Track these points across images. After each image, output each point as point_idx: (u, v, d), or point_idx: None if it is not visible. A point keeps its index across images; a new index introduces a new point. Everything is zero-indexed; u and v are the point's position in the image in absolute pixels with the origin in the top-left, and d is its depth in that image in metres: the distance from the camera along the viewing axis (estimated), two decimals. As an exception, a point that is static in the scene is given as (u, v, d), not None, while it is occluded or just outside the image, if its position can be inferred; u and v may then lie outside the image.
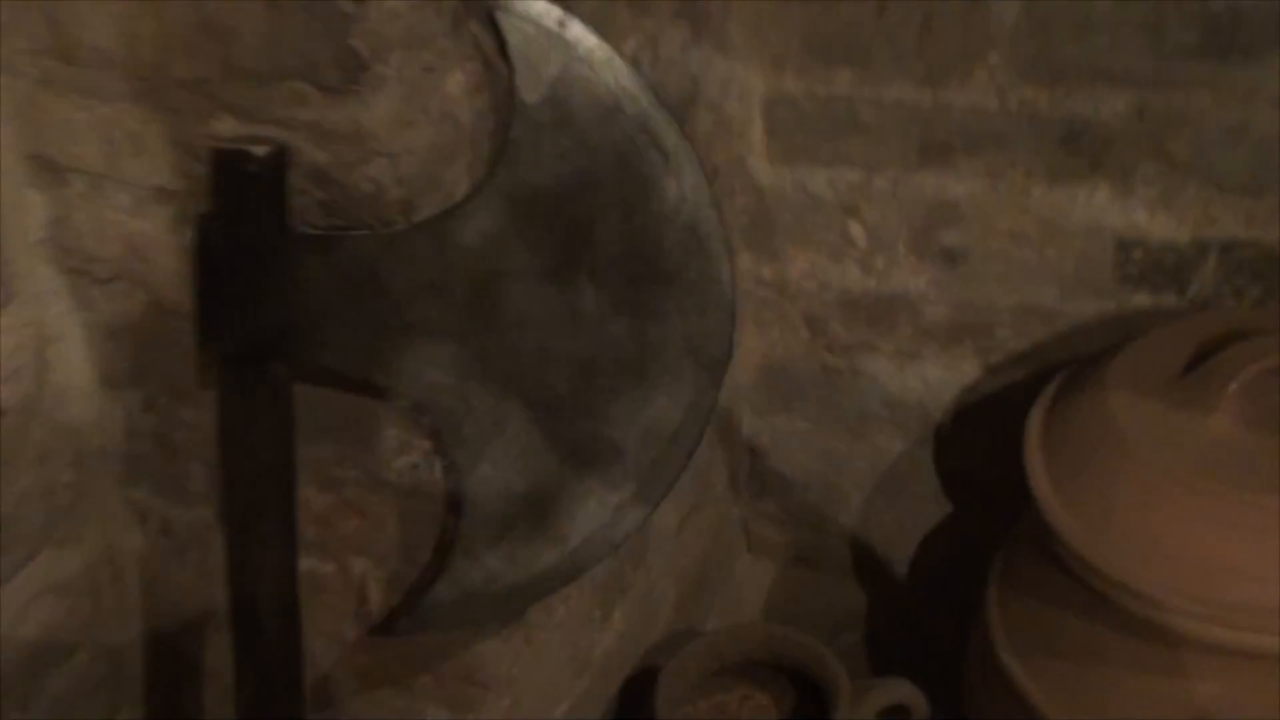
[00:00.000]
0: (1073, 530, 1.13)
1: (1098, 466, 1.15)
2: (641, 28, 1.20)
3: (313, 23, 0.91)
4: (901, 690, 1.33)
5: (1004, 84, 1.34)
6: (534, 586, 1.07)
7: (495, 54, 0.98)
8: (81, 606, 1.21)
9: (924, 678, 1.40)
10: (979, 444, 1.50)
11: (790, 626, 1.39)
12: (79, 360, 1.15)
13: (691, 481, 1.49)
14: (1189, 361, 1.19)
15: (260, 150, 0.96)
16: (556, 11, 0.97)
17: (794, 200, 1.47)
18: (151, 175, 1.03)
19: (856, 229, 1.46)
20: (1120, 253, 1.37)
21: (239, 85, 0.96)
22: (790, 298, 1.52)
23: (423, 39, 0.95)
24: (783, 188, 1.47)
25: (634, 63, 1.11)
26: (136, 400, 1.16)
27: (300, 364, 1.02)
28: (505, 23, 0.96)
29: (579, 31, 0.97)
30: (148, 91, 0.99)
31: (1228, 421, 1.12)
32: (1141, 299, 1.38)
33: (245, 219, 0.98)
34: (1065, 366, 1.32)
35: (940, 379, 1.50)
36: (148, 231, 1.06)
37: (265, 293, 0.99)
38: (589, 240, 0.99)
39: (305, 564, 1.12)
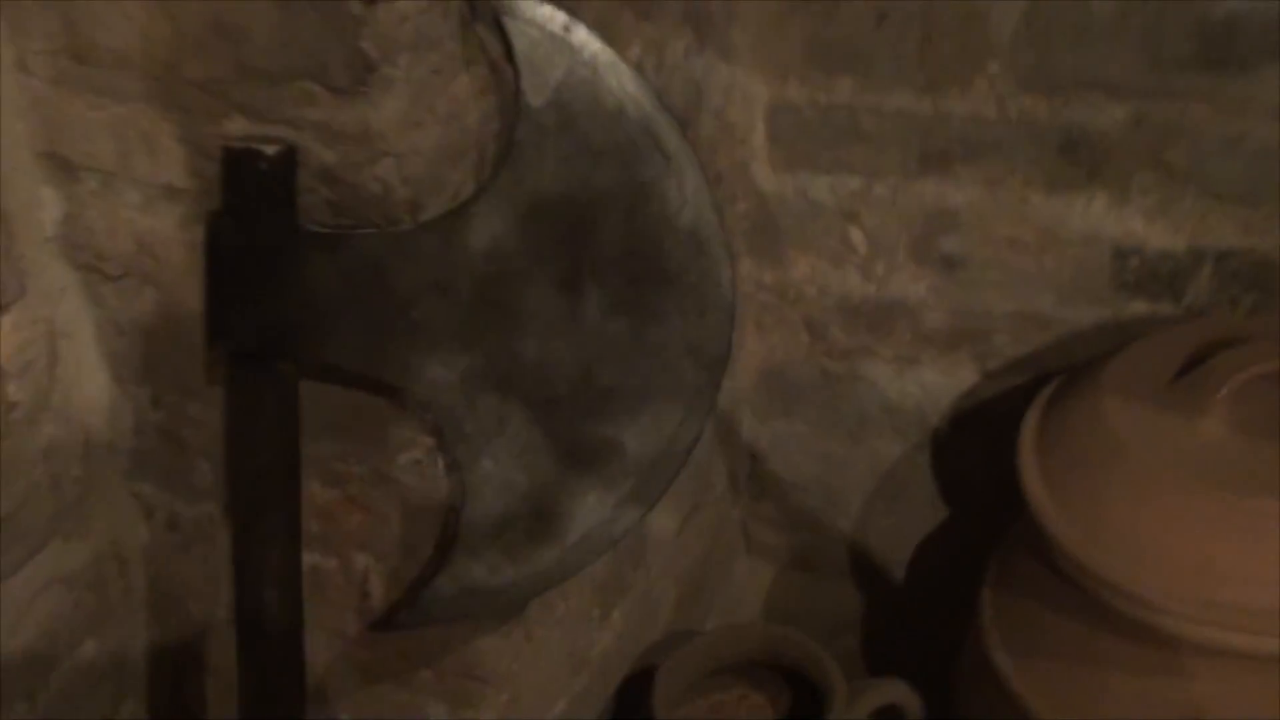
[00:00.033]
0: (1065, 532, 1.14)
1: (1091, 469, 1.16)
2: (646, 34, 1.21)
3: (323, 25, 0.91)
4: (896, 691, 1.35)
5: (1003, 93, 1.34)
6: (533, 582, 1.08)
7: (501, 58, 0.99)
8: (87, 600, 1.21)
9: (920, 680, 1.40)
10: (976, 449, 1.50)
11: (788, 627, 1.40)
12: (89, 356, 1.15)
13: (691, 484, 1.50)
14: (1182, 367, 1.20)
15: (270, 150, 0.96)
16: (562, 17, 0.98)
17: (795, 206, 1.48)
18: (162, 174, 1.04)
19: (857, 235, 1.47)
20: (1117, 261, 1.38)
21: (250, 85, 0.96)
22: (791, 302, 1.53)
23: (430, 42, 0.95)
24: (784, 194, 1.48)
25: (638, 68, 1.11)
26: (145, 396, 1.17)
27: (307, 361, 1.03)
28: (511, 27, 0.97)
29: (584, 36, 0.98)
30: (160, 91, 1.00)
31: (1219, 426, 1.14)
32: (1138, 307, 1.39)
33: (255, 217, 0.99)
34: (1062, 373, 1.33)
35: (938, 384, 1.50)
36: (158, 229, 1.07)
37: (273, 290, 1.00)
38: (591, 241, 1.00)
39: (308, 559, 1.13)
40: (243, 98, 0.97)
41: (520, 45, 0.97)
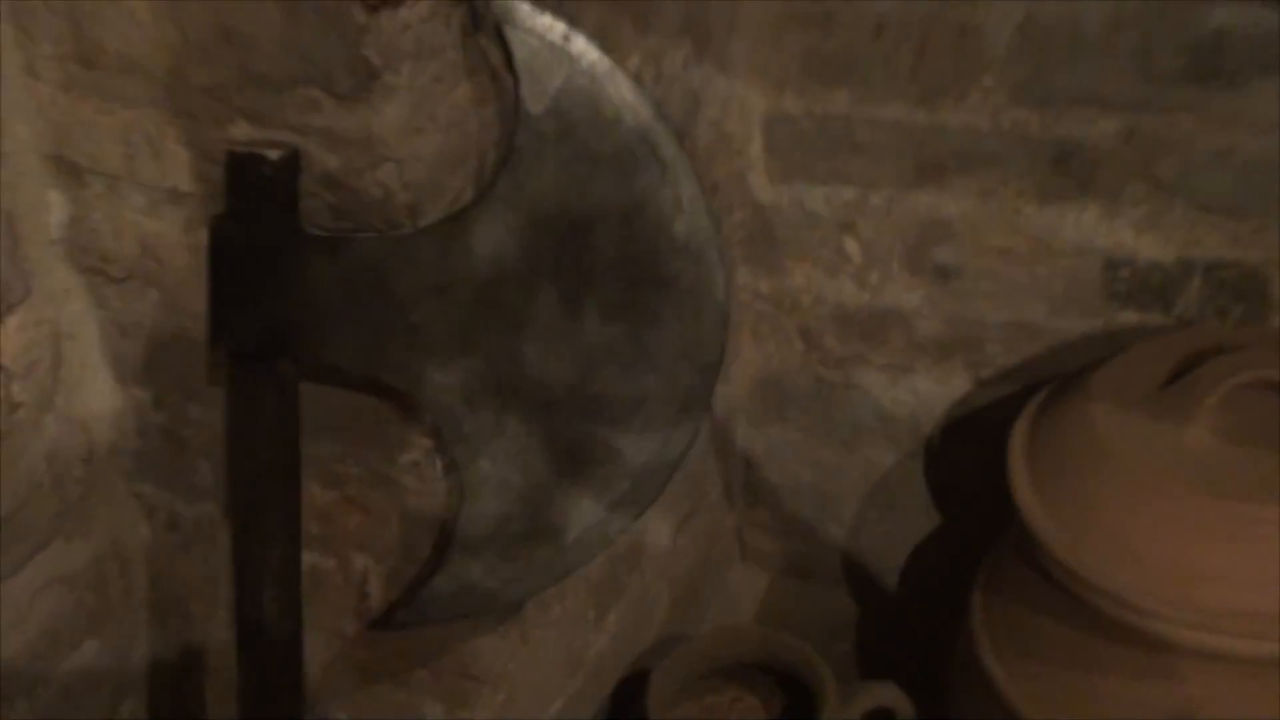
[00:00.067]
0: (1054, 536, 1.15)
1: (1079, 475, 1.17)
2: (645, 45, 1.22)
3: (327, 33, 0.92)
4: (888, 693, 1.36)
5: (997, 106, 1.36)
6: (530, 582, 1.09)
7: (502, 66, 1.00)
8: (88, 599, 1.22)
9: (913, 684, 1.41)
10: (969, 457, 1.51)
11: (781, 630, 1.41)
12: (92, 357, 1.16)
13: (686, 490, 1.51)
14: (1169, 375, 1.21)
15: (274, 154, 0.97)
16: (561, 26, 0.98)
17: (792, 216, 1.49)
18: (167, 178, 1.05)
19: (852, 245, 1.48)
20: (1108, 271, 1.39)
21: (255, 91, 0.97)
22: (787, 311, 1.54)
23: (432, 50, 0.96)
24: (781, 204, 1.49)
25: (636, 78, 1.12)
26: (147, 397, 1.18)
27: (307, 362, 1.04)
28: (512, 36, 0.98)
29: (582, 46, 0.99)
30: (167, 96, 1.01)
31: (1205, 433, 1.15)
32: (1128, 317, 1.40)
33: (258, 220, 1.00)
34: (1053, 381, 1.34)
35: (931, 393, 1.51)
36: (162, 232, 1.08)
37: (275, 292, 1.01)
38: (589, 246, 1.00)
39: (308, 559, 1.14)
40: (247, 103, 0.98)
41: (520, 54, 0.98)
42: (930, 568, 1.60)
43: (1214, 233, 1.35)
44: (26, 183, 1.08)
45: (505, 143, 1.01)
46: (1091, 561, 1.13)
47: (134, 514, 1.24)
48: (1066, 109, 1.34)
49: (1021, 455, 1.23)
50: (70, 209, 1.10)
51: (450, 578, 1.08)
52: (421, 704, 1.24)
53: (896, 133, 1.41)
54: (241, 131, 1.00)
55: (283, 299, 1.01)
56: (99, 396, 1.18)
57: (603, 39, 1.03)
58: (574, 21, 1.00)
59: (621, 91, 1.00)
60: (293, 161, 0.98)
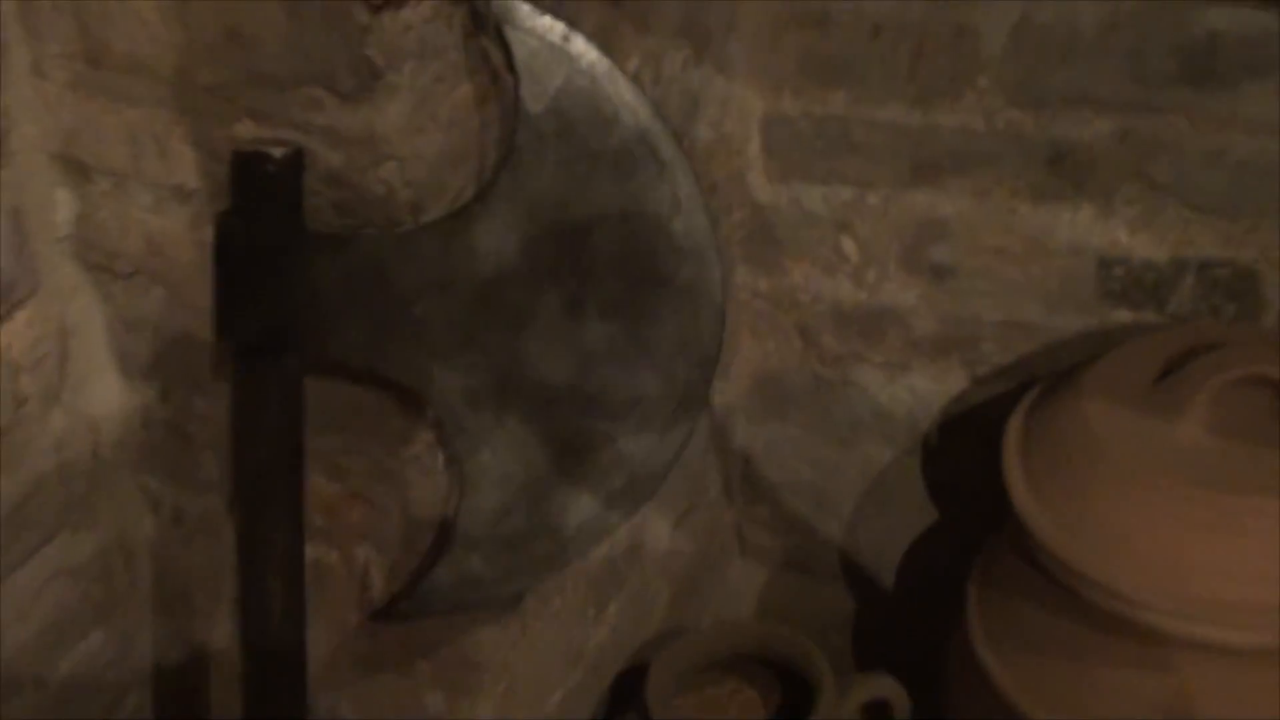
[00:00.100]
0: (1047, 528, 1.16)
1: (1072, 469, 1.18)
2: (644, 46, 1.23)
3: (331, 33, 0.94)
4: (884, 685, 1.37)
5: (992, 107, 1.36)
6: (529, 572, 1.11)
7: (502, 66, 1.01)
8: (94, 591, 1.23)
9: (910, 677, 1.42)
10: (965, 454, 1.51)
11: (779, 624, 1.42)
12: (98, 352, 1.18)
13: (685, 486, 1.52)
14: (1161, 371, 1.22)
15: (278, 152, 0.99)
16: (561, 27, 1.00)
17: (790, 216, 1.49)
18: (173, 175, 1.06)
19: (849, 244, 1.48)
20: (1102, 270, 1.40)
21: (259, 91, 0.98)
22: (785, 310, 1.54)
23: (434, 51, 0.98)
24: (779, 204, 1.49)
25: (635, 79, 1.13)
26: (152, 392, 1.19)
27: (311, 356, 1.05)
28: (512, 37, 0.99)
29: (581, 46, 1.00)
30: (173, 95, 1.02)
31: (1196, 428, 1.16)
32: (1122, 315, 1.40)
33: (262, 217, 1.01)
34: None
35: (928, 390, 1.52)
36: (168, 229, 1.09)
37: (280, 288, 1.02)
38: (587, 243, 1.02)
39: (311, 552, 1.14)
40: (252, 102, 0.99)
41: (520, 54, 0.99)
42: (927, 563, 1.60)
43: (1207, 232, 1.35)
44: (34, 181, 1.09)
45: (506, 141, 1.02)
46: (1084, 554, 1.14)
47: (139, 507, 1.25)
48: (1061, 110, 1.35)
49: (1016, 450, 1.24)
50: (77, 206, 1.12)
51: (451, 569, 1.10)
52: (423, 694, 1.25)
53: (893, 133, 1.42)
54: (246, 130, 1.01)
55: (287, 295, 1.03)
56: (105, 391, 1.19)
57: (602, 40, 1.05)
58: (574, 23, 1.02)
59: (620, 91, 1.02)
60: (297, 160, 1.00)
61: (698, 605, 1.62)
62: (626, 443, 1.08)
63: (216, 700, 1.32)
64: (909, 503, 1.59)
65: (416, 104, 0.98)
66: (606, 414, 1.07)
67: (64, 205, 1.12)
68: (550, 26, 1.00)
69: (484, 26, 1.00)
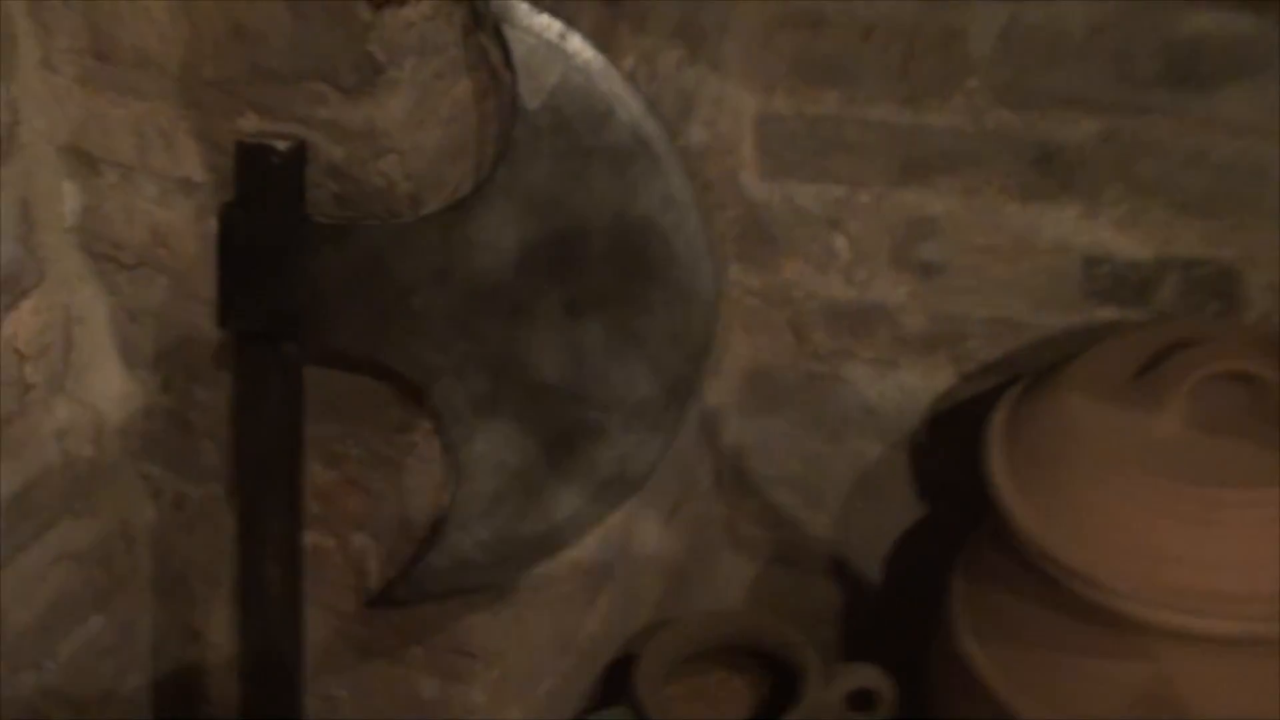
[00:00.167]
0: (1027, 519, 1.18)
1: (1053, 461, 1.20)
2: (639, 46, 1.25)
3: (334, 29, 0.95)
4: (869, 675, 1.39)
5: (981, 107, 1.38)
6: (522, 559, 1.12)
7: (501, 63, 1.02)
8: (96, 576, 1.24)
9: (896, 668, 1.44)
10: (952, 449, 1.49)
11: (766, 613, 1.43)
12: (102, 341, 1.19)
13: (677, 480, 1.54)
14: (1142, 367, 1.24)
15: (281, 145, 1.00)
16: (558, 25, 1.01)
17: (782, 214, 1.51)
18: (178, 168, 1.08)
19: (840, 242, 1.50)
20: (1087, 269, 1.41)
21: (264, 85, 1.00)
22: (777, 306, 1.55)
23: (435, 47, 0.99)
24: (772, 201, 1.50)
25: (631, 77, 1.14)
26: (154, 381, 1.20)
27: (311, 344, 1.07)
28: (510, 34, 1.00)
29: (578, 44, 1.02)
30: (179, 89, 1.03)
31: (1176, 421, 1.18)
32: (1107, 313, 1.42)
33: (265, 208, 1.02)
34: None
35: (916, 386, 1.53)
36: (172, 221, 1.11)
37: (281, 277, 1.04)
38: (582, 236, 1.03)
39: (308, 538, 1.16)
40: (257, 96, 1.01)
41: (518, 51, 1.00)
42: (915, 556, 1.62)
43: (1190, 232, 1.37)
44: (42, 172, 1.11)
45: (503, 136, 1.04)
46: (1062, 543, 1.16)
47: (140, 494, 1.27)
48: (1048, 110, 1.36)
49: (998, 443, 1.26)
50: (84, 198, 1.13)
51: (445, 555, 1.11)
52: (417, 680, 1.26)
53: (884, 133, 1.43)
54: (250, 123, 1.02)
55: (288, 284, 1.04)
56: (108, 380, 1.21)
57: (599, 38, 1.06)
58: (571, 22, 1.03)
59: (615, 88, 1.03)
60: (300, 152, 1.01)
61: (688, 597, 1.63)
62: (618, 434, 1.09)
63: (214, 685, 1.34)
64: (897, 497, 1.61)
65: (417, 99, 0.99)
66: (598, 406, 1.08)
67: (71, 196, 1.13)
68: (547, 25, 1.01)
69: (483, 24, 1.02)
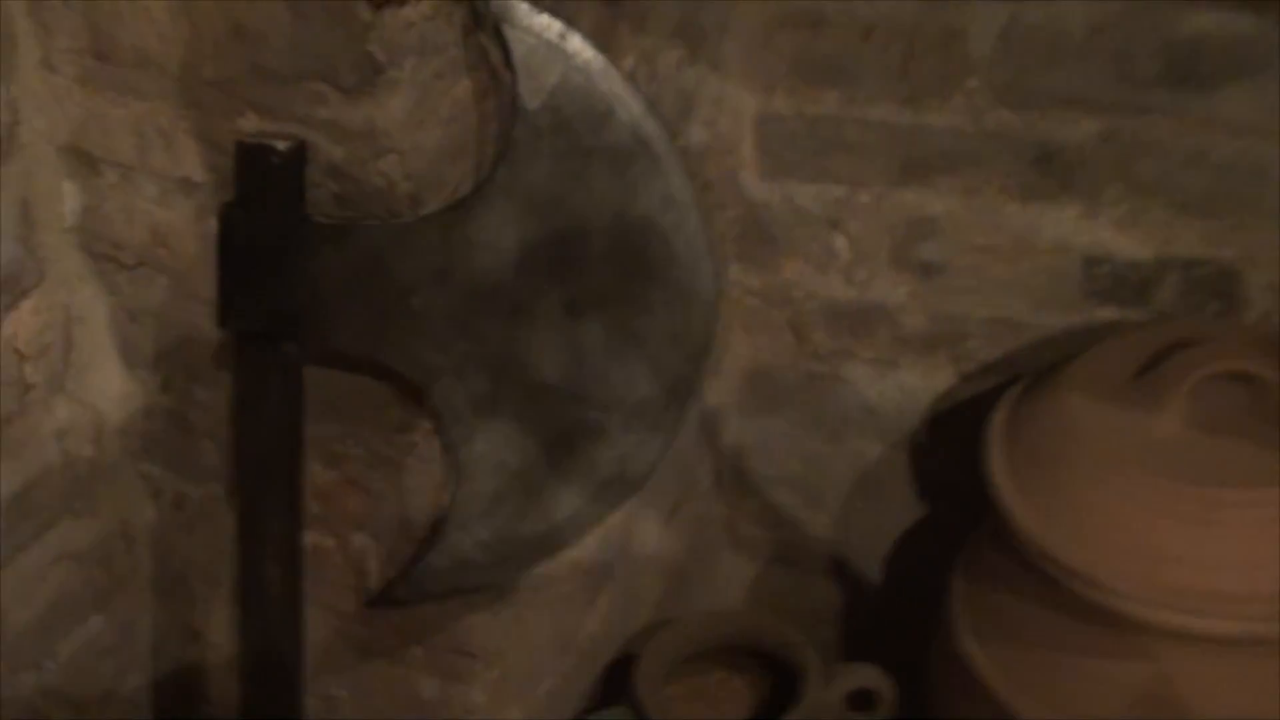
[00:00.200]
0: (1027, 518, 1.19)
1: (1053, 461, 1.20)
2: (640, 46, 1.25)
3: (334, 29, 0.95)
4: (869, 675, 1.39)
5: (981, 107, 1.38)
6: (522, 558, 1.12)
7: (500, 63, 1.02)
8: (96, 576, 1.24)
9: (896, 668, 1.44)
10: (952, 449, 1.50)
11: (766, 613, 1.44)
12: (102, 341, 1.19)
13: (677, 480, 1.54)
14: (1141, 367, 1.24)
15: (281, 145, 1.00)
16: (558, 25, 1.02)
17: (782, 213, 1.51)
18: (179, 168, 1.08)
19: (840, 242, 1.50)
20: (1087, 269, 1.41)
21: (264, 85, 1.00)
22: (777, 306, 1.55)
23: (435, 47, 1.00)
24: (772, 201, 1.50)
25: (631, 77, 1.14)
26: (154, 381, 1.20)
27: (311, 344, 1.07)
28: (510, 35, 1.01)
29: (578, 44, 1.02)
30: (179, 89, 1.04)
31: (1176, 421, 1.18)
32: (1107, 313, 1.42)
33: (266, 208, 1.03)
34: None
35: (916, 386, 1.53)
36: (172, 221, 1.11)
37: (282, 277, 1.04)
38: (582, 236, 1.03)
39: (308, 538, 1.16)
40: (257, 96, 1.01)
41: (518, 51, 1.01)
42: (914, 556, 1.62)
43: (1190, 232, 1.37)
44: (42, 172, 1.11)
45: (503, 136, 1.04)
46: (1062, 543, 1.16)
47: (140, 494, 1.27)
48: (1048, 110, 1.36)
49: (998, 442, 1.26)
50: (84, 198, 1.13)
51: (445, 554, 1.11)
52: (417, 680, 1.27)
53: (884, 133, 1.43)
54: (250, 123, 1.03)
55: (289, 284, 1.04)
56: (108, 380, 1.21)
57: (598, 39, 1.06)
58: (571, 22, 1.03)
59: (615, 88, 1.03)
60: (300, 152, 1.01)
61: (688, 597, 1.63)
62: (618, 434, 1.09)
63: (214, 685, 1.34)
64: (897, 497, 1.61)
65: (417, 99, 1.00)
66: (598, 406, 1.08)
67: (71, 196, 1.13)
68: (547, 25, 1.02)
69: (483, 24, 1.02)
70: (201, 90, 1.03)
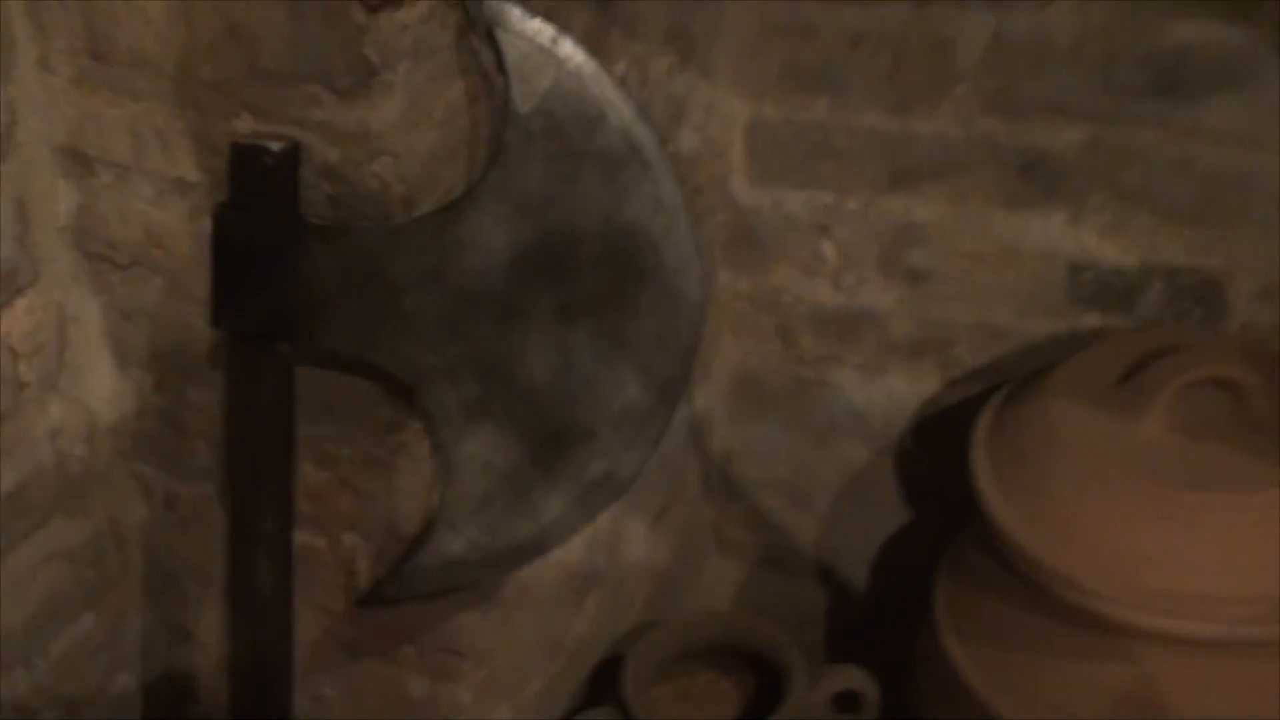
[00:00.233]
0: (1011, 522, 1.20)
1: (1037, 465, 1.22)
2: (631, 51, 1.26)
3: (329, 32, 0.96)
4: (854, 676, 1.40)
5: (968, 115, 1.39)
6: (511, 557, 1.13)
7: (493, 67, 1.03)
8: (87, 574, 1.24)
9: (881, 671, 1.45)
10: (938, 454, 1.52)
11: (752, 615, 1.44)
12: (95, 341, 1.19)
13: (665, 483, 1.55)
14: (1125, 373, 1.26)
15: (276, 146, 1.01)
16: (550, 30, 1.02)
17: (771, 219, 1.52)
18: (173, 168, 1.08)
19: (829, 248, 1.51)
20: (1072, 276, 1.43)
21: (259, 86, 1.01)
22: (765, 311, 1.57)
23: (429, 51, 1.00)
24: (761, 207, 1.52)
25: (622, 83, 1.15)
26: (147, 380, 1.21)
27: (304, 344, 1.08)
28: (503, 39, 1.01)
29: (570, 49, 1.03)
30: (175, 90, 1.04)
31: (1157, 427, 1.20)
32: (1091, 320, 1.43)
33: (260, 209, 1.03)
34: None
35: (903, 392, 1.54)
36: (167, 221, 1.11)
37: (275, 277, 1.04)
38: (572, 239, 1.04)
39: (299, 538, 1.16)
40: (252, 98, 1.02)
41: (511, 55, 1.01)
42: (900, 560, 1.63)
43: (1174, 240, 1.39)
44: (38, 172, 1.11)
45: (495, 139, 1.05)
46: (1045, 546, 1.17)
47: (132, 493, 1.27)
48: (1034, 119, 1.38)
49: (983, 447, 1.27)
50: (79, 197, 1.14)
51: (434, 554, 1.12)
52: (406, 679, 1.27)
53: (872, 140, 1.45)
54: (245, 124, 1.03)
55: (282, 284, 1.05)
56: (101, 379, 1.21)
57: (591, 44, 1.07)
58: (563, 26, 1.04)
59: (606, 93, 1.04)
60: (294, 154, 1.02)
61: (675, 600, 1.64)
62: (605, 436, 1.10)
63: (204, 684, 1.34)
64: (883, 501, 1.62)
65: (411, 102, 1.00)
66: (587, 407, 1.09)
67: (66, 196, 1.14)
68: (540, 29, 1.02)
69: (476, 28, 1.03)
70: (197, 91, 1.04)
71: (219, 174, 1.06)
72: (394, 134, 1.00)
